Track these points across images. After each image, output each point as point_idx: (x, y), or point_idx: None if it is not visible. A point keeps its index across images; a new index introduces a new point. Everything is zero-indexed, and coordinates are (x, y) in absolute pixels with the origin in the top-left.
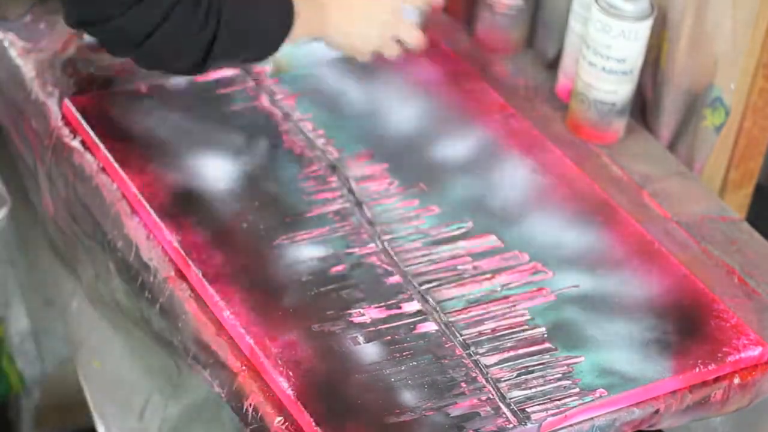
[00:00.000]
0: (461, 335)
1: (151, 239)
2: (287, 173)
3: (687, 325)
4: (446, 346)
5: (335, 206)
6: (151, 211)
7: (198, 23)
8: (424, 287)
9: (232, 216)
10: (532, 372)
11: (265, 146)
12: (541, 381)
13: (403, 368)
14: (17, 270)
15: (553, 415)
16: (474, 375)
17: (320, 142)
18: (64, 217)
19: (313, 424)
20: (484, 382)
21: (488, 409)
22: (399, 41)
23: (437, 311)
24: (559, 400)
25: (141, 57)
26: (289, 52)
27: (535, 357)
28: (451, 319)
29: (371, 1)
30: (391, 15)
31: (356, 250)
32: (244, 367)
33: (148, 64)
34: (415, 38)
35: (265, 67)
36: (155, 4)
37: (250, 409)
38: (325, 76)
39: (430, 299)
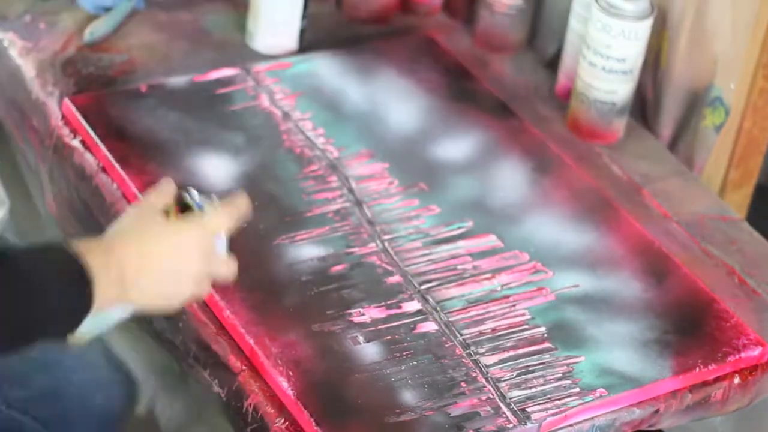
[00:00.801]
0: (461, 335)
1: None
2: (287, 173)
3: (687, 325)
4: (446, 345)
5: (335, 206)
6: None
7: None
8: (424, 287)
9: None
10: (532, 372)
11: (265, 146)
12: (541, 381)
13: (403, 368)
14: None
15: (553, 414)
16: (474, 375)
17: (320, 141)
18: (66, 216)
19: (313, 424)
20: (484, 381)
21: (488, 408)
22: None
23: (437, 311)
24: (559, 399)
25: None
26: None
27: (535, 357)
28: (451, 319)
29: (177, 253)
30: (202, 262)
31: (356, 249)
32: (244, 367)
33: None
34: (229, 272)
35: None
36: None
37: (250, 409)
38: (325, 76)
39: (430, 299)
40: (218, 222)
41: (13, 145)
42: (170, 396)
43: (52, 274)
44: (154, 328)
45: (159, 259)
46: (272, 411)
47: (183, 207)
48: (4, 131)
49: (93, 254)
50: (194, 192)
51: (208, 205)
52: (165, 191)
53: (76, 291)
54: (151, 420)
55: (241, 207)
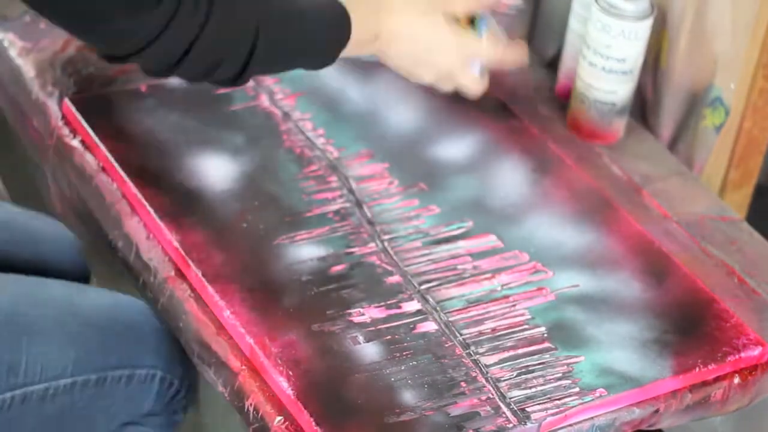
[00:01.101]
0: (461, 335)
1: (151, 239)
2: (287, 173)
3: (687, 325)
4: (446, 345)
5: (335, 206)
6: (151, 211)
7: (235, 31)
8: (424, 287)
9: (232, 216)
10: (532, 372)
11: (265, 146)
12: (541, 381)
13: (403, 368)
14: None
15: (553, 414)
16: (474, 375)
17: (320, 142)
18: (69, 215)
19: (313, 424)
20: (484, 381)
21: (488, 408)
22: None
23: (437, 311)
24: (559, 399)
25: (183, 74)
26: None
27: (535, 357)
28: (451, 319)
29: (438, 43)
30: (455, 64)
31: (356, 250)
32: (244, 367)
33: (193, 78)
34: (473, 89)
35: None
36: (180, 31)
37: (251, 409)
38: (325, 76)
39: (430, 299)
40: (486, 48)
41: (19, 142)
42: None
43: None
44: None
45: (420, 39)
46: (272, 411)
47: (472, 22)
48: (10, 129)
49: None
50: (488, 20)
51: (489, 33)
52: (469, 4)
53: (329, 25)
54: None
55: (516, 53)
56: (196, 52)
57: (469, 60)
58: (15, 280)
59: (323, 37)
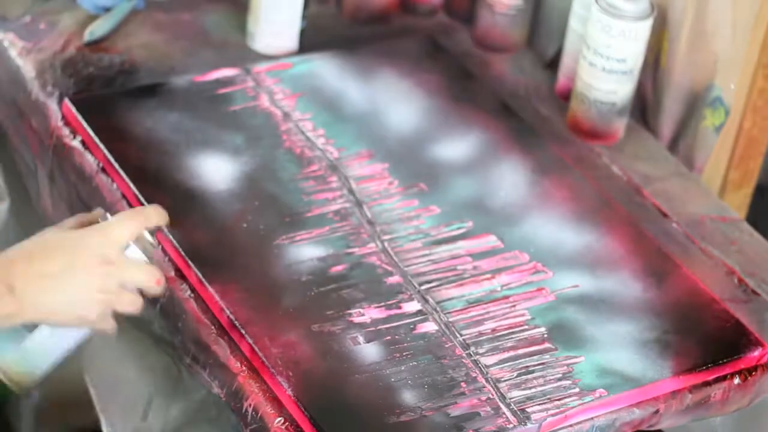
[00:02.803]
0: (461, 335)
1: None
2: (287, 173)
3: (687, 325)
4: (446, 346)
5: (335, 206)
6: None
7: None
8: (424, 287)
9: (232, 216)
10: (532, 372)
11: (265, 146)
12: (541, 381)
13: (403, 368)
14: None
15: (553, 415)
16: (474, 375)
17: (320, 142)
18: (63, 217)
19: (313, 424)
20: (484, 382)
21: (488, 409)
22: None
23: (437, 311)
24: (559, 400)
25: None
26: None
27: (535, 357)
28: (451, 319)
29: (71, 258)
30: (102, 269)
31: (356, 250)
32: (243, 368)
33: None
34: (148, 281)
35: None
36: None
37: (250, 410)
38: (326, 76)
39: (430, 299)
40: (121, 229)
41: (10, 146)
42: (166, 400)
43: None
44: (152, 330)
45: (50, 264)
46: (272, 411)
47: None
48: (3, 132)
49: None
50: (107, 215)
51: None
52: (83, 219)
53: None
54: (146, 424)
55: (149, 214)
56: None
57: (122, 252)
58: None
59: None
